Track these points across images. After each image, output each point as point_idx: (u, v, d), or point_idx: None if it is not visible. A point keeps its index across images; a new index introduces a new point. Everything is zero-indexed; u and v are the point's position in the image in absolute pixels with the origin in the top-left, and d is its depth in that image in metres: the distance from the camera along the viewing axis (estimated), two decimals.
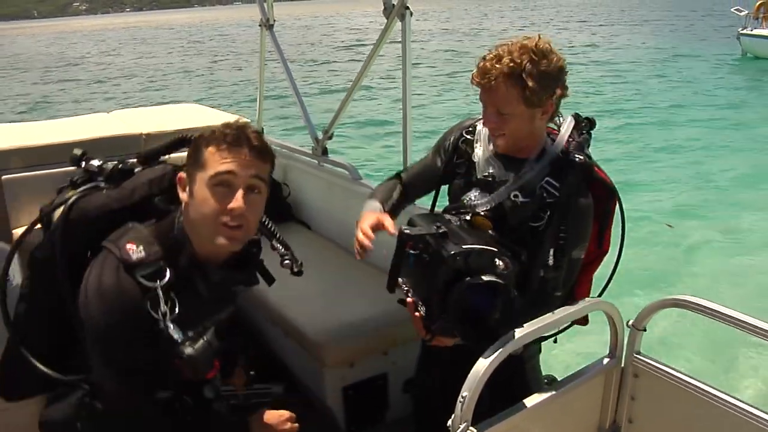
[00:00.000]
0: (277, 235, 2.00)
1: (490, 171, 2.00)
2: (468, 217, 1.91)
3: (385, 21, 3.05)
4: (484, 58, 1.87)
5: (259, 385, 2.12)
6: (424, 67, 24.10)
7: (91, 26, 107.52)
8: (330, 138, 3.77)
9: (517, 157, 1.98)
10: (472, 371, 1.54)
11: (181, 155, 1.78)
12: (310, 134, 3.89)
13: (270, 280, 1.95)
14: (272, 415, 1.82)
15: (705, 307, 1.72)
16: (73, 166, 1.91)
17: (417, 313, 1.77)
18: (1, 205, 3.48)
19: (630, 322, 1.91)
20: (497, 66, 1.82)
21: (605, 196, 1.99)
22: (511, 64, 1.80)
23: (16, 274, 2.32)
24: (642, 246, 7.36)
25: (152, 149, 1.94)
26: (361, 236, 1.91)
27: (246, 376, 2.12)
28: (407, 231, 1.75)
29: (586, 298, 2.04)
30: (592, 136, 2.05)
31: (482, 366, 1.53)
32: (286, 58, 4.18)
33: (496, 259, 1.65)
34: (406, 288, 1.83)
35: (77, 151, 1.92)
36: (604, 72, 22.75)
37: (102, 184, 1.84)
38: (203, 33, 64.24)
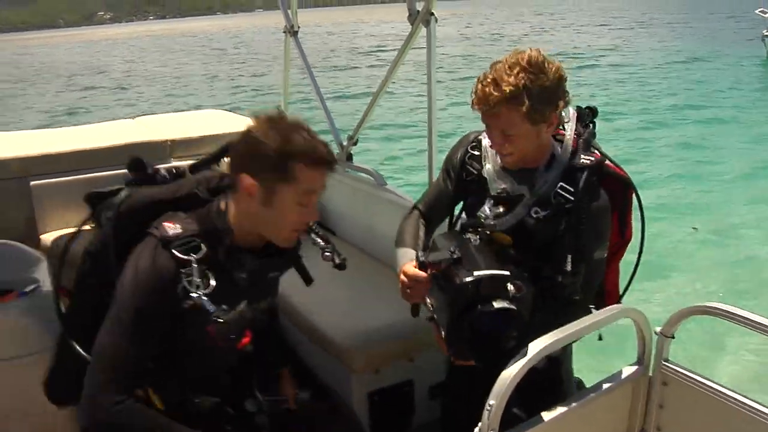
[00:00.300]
0: (316, 229, 2.01)
1: (503, 186, 2.00)
2: (488, 232, 1.91)
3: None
4: (481, 82, 1.85)
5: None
6: (442, 72, 24.12)
7: (116, 35, 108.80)
8: (355, 144, 3.76)
9: (526, 167, 1.97)
10: (499, 379, 1.53)
11: None
12: (334, 140, 3.87)
13: (308, 279, 1.99)
14: None
15: (735, 314, 1.70)
16: (129, 170, 1.94)
17: (439, 334, 1.80)
18: (29, 210, 3.54)
19: (658, 330, 1.89)
20: (495, 92, 1.79)
21: (620, 188, 1.99)
22: (510, 88, 1.77)
23: (45, 280, 2.36)
24: (657, 243, 7.43)
25: (203, 160, 1.99)
26: (407, 281, 1.89)
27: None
28: (422, 258, 1.81)
29: (613, 305, 2.03)
30: (596, 125, 2.05)
31: (509, 374, 1.52)
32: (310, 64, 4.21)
33: (509, 284, 1.66)
34: (432, 307, 1.84)
35: (134, 157, 1.97)
36: (623, 74, 22.75)
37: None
38: (226, 40, 64.72)
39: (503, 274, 1.65)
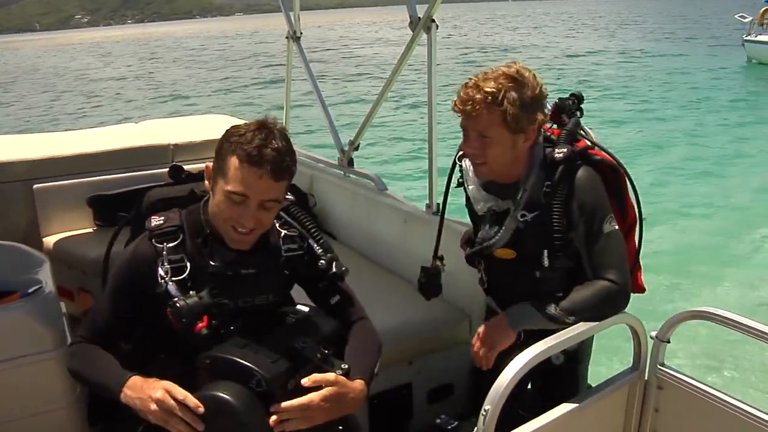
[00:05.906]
0: (316, 235, 1.99)
1: (489, 206, 2.04)
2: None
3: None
4: (465, 86, 1.89)
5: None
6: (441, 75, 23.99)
7: (93, 38, 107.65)
8: (356, 149, 3.79)
9: (509, 183, 2.00)
10: (494, 385, 1.57)
11: None
12: (336, 145, 3.90)
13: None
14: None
15: (730, 319, 1.76)
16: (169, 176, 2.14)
17: None
18: (32, 213, 3.54)
19: (653, 334, 1.93)
20: (477, 94, 1.84)
21: (609, 172, 1.99)
22: (493, 90, 1.82)
23: (48, 282, 2.38)
24: None
25: None
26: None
27: None
28: None
29: None
30: (583, 111, 2.08)
31: (504, 380, 1.57)
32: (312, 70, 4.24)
33: None
34: None
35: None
36: (607, 80, 22.70)
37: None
38: (209, 42, 64.37)
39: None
